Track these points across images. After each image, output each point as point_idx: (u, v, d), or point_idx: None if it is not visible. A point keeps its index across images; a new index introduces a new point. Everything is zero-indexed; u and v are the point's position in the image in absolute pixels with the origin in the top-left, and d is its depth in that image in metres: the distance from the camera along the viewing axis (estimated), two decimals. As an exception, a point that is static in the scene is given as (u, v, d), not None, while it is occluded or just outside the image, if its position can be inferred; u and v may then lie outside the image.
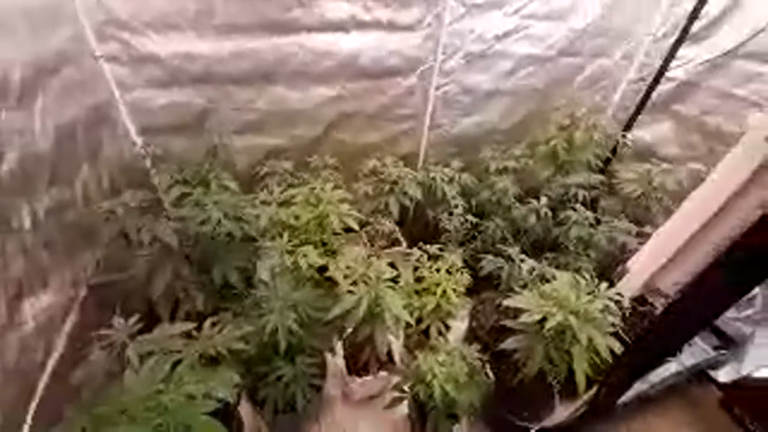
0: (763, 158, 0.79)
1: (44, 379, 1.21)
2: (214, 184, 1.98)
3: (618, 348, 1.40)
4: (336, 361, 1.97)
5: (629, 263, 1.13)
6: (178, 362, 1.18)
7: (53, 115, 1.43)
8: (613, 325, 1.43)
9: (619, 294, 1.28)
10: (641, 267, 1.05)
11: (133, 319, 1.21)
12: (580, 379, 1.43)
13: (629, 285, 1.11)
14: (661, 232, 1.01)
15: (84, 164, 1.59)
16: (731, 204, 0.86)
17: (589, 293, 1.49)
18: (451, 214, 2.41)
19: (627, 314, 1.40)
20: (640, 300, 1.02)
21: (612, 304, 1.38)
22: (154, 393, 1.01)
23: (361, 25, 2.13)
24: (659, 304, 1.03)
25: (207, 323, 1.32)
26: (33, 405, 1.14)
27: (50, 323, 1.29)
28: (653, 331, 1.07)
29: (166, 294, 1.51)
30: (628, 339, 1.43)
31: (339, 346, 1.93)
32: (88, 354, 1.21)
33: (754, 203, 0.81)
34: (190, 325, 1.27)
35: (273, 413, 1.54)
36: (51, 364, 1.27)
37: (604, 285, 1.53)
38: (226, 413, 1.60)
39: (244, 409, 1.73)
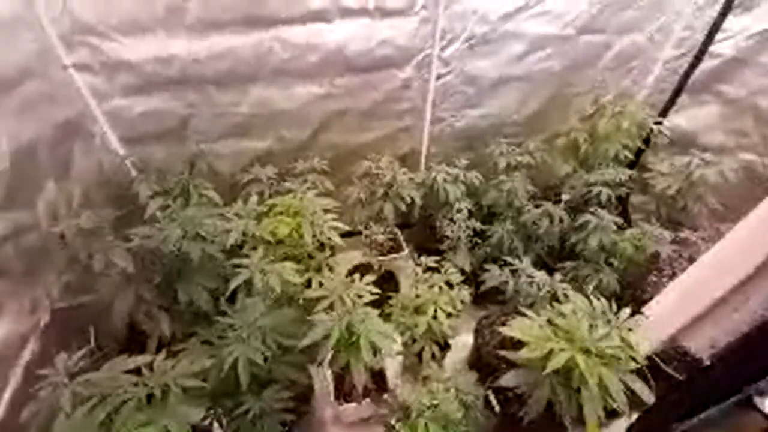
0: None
1: (-2, 412, 1.15)
2: (195, 195, 1.88)
3: (640, 388, 1.15)
4: (324, 383, 1.83)
5: (647, 308, 0.88)
6: (124, 402, 1.07)
7: (11, 134, 1.35)
8: (633, 360, 1.18)
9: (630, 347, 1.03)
10: (663, 315, 0.80)
11: (78, 355, 1.11)
12: (591, 422, 1.20)
13: (648, 335, 0.86)
14: (691, 274, 0.76)
15: (49, 183, 1.52)
16: None
17: (606, 322, 1.24)
18: (452, 219, 2.17)
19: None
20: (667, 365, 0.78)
21: (631, 341, 1.13)
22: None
23: (346, 13, 1.92)
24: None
25: (159, 357, 1.20)
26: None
27: (4, 354, 1.22)
28: (680, 393, 0.82)
29: (133, 319, 1.41)
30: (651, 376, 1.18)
31: (327, 369, 1.79)
32: (38, 389, 1.13)
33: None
34: (140, 360, 1.15)
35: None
36: (6, 396, 1.20)
37: (626, 311, 1.27)
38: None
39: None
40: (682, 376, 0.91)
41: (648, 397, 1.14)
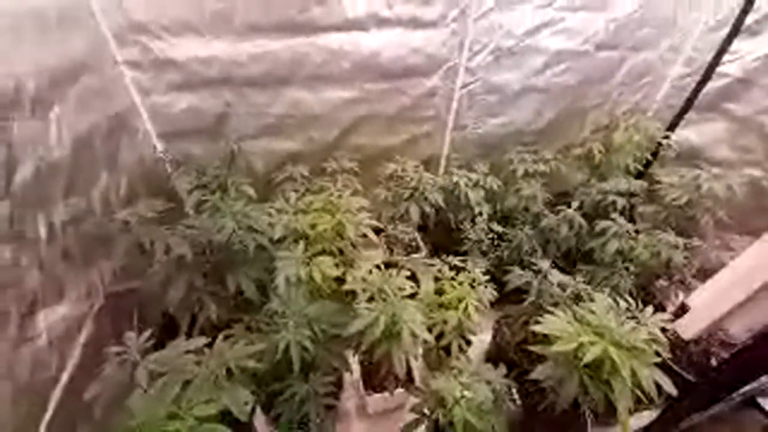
0: None
1: (57, 393, 1.20)
2: (233, 190, 1.95)
3: (666, 383, 1.25)
4: (353, 375, 1.90)
5: (689, 299, 0.98)
6: (189, 381, 1.14)
7: (70, 124, 1.42)
8: (658, 354, 1.28)
9: (669, 329, 1.13)
10: (706, 304, 0.90)
11: (145, 335, 1.18)
12: (624, 413, 1.28)
13: (692, 324, 0.97)
14: (730, 270, 0.87)
15: (102, 173, 1.59)
16: None
17: (632, 318, 1.34)
18: (474, 221, 2.27)
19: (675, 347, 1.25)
20: (710, 348, 0.88)
21: (659, 334, 1.23)
22: (164, 417, 0.97)
23: (382, 23, 2.02)
24: (717, 347, 0.89)
25: (219, 339, 1.27)
26: (45, 419, 1.13)
27: (65, 335, 1.28)
28: (717, 374, 0.92)
29: (183, 305, 1.48)
30: (676, 369, 1.28)
31: (356, 362, 1.86)
32: (102, 368, 1.19)
33: None
34: (200, 342, 1.22)
35: (287, 429, 1.49)
36: (65, 377, 1.26)
37: (649, 310, 1.38)
38: (239, 426, 1.57)
39: (259, 421, 1.69)
40: (694, 377, 1.01)
41: (671, 389, 1.24)
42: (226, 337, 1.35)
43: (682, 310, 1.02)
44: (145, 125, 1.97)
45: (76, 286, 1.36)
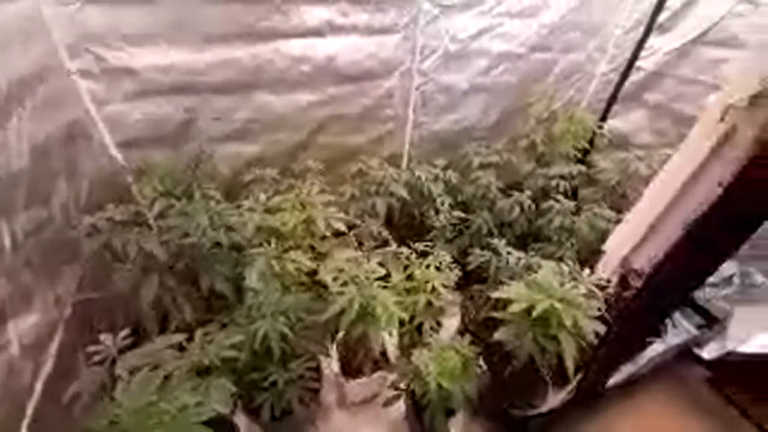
0: (717, 138, 0.84)
1: (33, 399, 1.18)
2: (198, 195, 1.97)
3: (603, 330, 1.45)
4: (331, 364, 1.97)
5: (605, 245, 1.18)
6: (169, 375, 1.17)
7: (28, 133, 1.40)
8: (597, 309, 1.48)
9: (599, 277, 1.33)
10: (617, 246, 1.09)
11: (122, 334, 1.20)
12: (569, 363, 1.47)
13: (606, 264, 1.16)
14: (634, 212, 1.06)
15: (61, 181, 1.57)
16: (695, 180, 0.91)
17: (572, 279, 1.54)
18: (437, 211, 2.44)
19: (611, 299, 1.46)
20: (623, 284, 1.06)
21: (595, 289, 1.43)
22: (146, 405, 1.00)
23: (339, 30, 2.15)
24: (637, 284, 1.08)
25: (198, 333, 1.31)
26: (24, 423, 1.11)
27: (36, 343, 1.26)
28: (632, 307, 1.11)
29: (153, 307, 1.49)
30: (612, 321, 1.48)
31: (333, 349, 1.94)
32: (76, 372, 1.19)
33: (714, 180, 0.86)
34: (179, 338, 1.26)
35: (270, 419, 1.54)
36: (39, 384, 1.24)
37: (586, 271, 1.59)
38: (221, 421, 1.60)
39: (240, 417, 1.72)
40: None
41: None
42: (205, 334, 1.38)
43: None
44: (102, 134, 1.95)
45: (43, 295, 1.34)
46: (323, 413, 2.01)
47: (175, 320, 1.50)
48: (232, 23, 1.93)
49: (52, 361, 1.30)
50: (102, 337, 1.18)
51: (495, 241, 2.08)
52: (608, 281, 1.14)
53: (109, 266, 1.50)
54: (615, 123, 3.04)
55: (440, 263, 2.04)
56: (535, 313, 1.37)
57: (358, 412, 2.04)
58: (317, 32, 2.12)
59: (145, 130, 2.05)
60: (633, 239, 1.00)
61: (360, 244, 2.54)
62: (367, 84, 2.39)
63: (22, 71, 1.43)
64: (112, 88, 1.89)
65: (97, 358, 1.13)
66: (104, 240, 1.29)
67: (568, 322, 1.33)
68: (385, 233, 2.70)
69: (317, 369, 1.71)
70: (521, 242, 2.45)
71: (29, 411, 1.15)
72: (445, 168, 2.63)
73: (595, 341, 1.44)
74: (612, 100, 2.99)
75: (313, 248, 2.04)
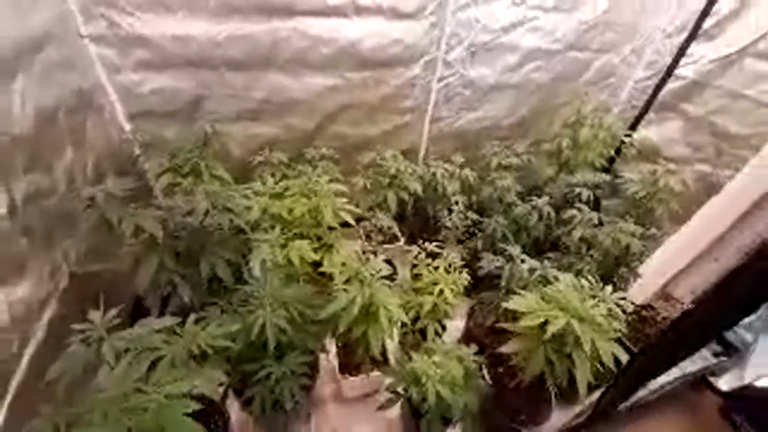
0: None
1: (19, 373, 1.15)
2: (206, 174, 1.91)
3: (622, 355, 1.34)
4: (328, 359, 1.91)
5: (641, 268, 1.07)
6: (158, 359, 1.12)
7: (35, 96, 1.35)
8: (616, 330, 1.38)
9: (624, 299, 1.22)
10: (655, 273, 0.99)
11: (112, 313, 1.14)
12: (582, 386, 1.37)
13: (642, 290, 1.05)
14: (677, 238, 0.95)
15: (67, 149, 1.51)
16: (750, 216, 0.80)
17: (592, 296, 1.43)
18: (450, 210, 2.33)
19: (630, 320, 1.35)
20: (645, 306, 0.96)
21: (617, 309, 1.32)
22: (129, 393, 0.95)
23: (362, 11, 2.03)
24: (665, 312, 0.97)
25: (191, 319, 1.25)
26: (7, 399, 1.07)
27: (27, 315, 1.22)
28: (665, 338, 1.01)
29: (153, 287, 1.44)
30: (631, 345, 1.37)
31: (332, 345, 1.88)
32: (65, 347, 1.14)
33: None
34: (173, 321, 1.20)
35: (261, 411, 1.48)
36: (26, 357, 1.20)
37: (608, 288, 1.47)
38: (212, 408, 1.55)
39: (232, 405, 1.67)
40: (659, 317, 1.09)
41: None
42: (199, 320, 1.32)
43: (630, 280, 1.11)
44: (113, 104, 1.89)
45: (38, 265, 1.29)
46: (317, 406, 1.96)
47: (174, 301, 1.44)
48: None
49: (43, 333, 1.26)
50: (91, 314, 1.12)
51: (509, 247, 1.97)
52: (644, 306, 1.04)
53: (111, 240, 1.44)
54: (647, 132, 2.87)
55: (450, 265, 1.95)
56: (550, 331, 1.27)
57: (353, 407, 1.98)
58: (341, 12, 2.01)
59: (157, 103, 1.98)
60: (674, 268, 0.90)
61: (368, 237, 2.46)
62: (387, 72, 2.27)
63: (30, 31, 1.36)
64: (124, 56, 1.82)
65: (82, 336, 1.07)
66: (100, 214, 1.23)
67: (586, 345, 1.23)
68: (395, 228, 2.62)
69: (314, 365, 1.65)
70: (537, 250, 2.33)
71: (14, 384, 1.11)
72: (462, 166, 2.52)
73: (613, 365, 1.34)
74: (646, 107, 2.82)
75: (319, 238, 1.97)
